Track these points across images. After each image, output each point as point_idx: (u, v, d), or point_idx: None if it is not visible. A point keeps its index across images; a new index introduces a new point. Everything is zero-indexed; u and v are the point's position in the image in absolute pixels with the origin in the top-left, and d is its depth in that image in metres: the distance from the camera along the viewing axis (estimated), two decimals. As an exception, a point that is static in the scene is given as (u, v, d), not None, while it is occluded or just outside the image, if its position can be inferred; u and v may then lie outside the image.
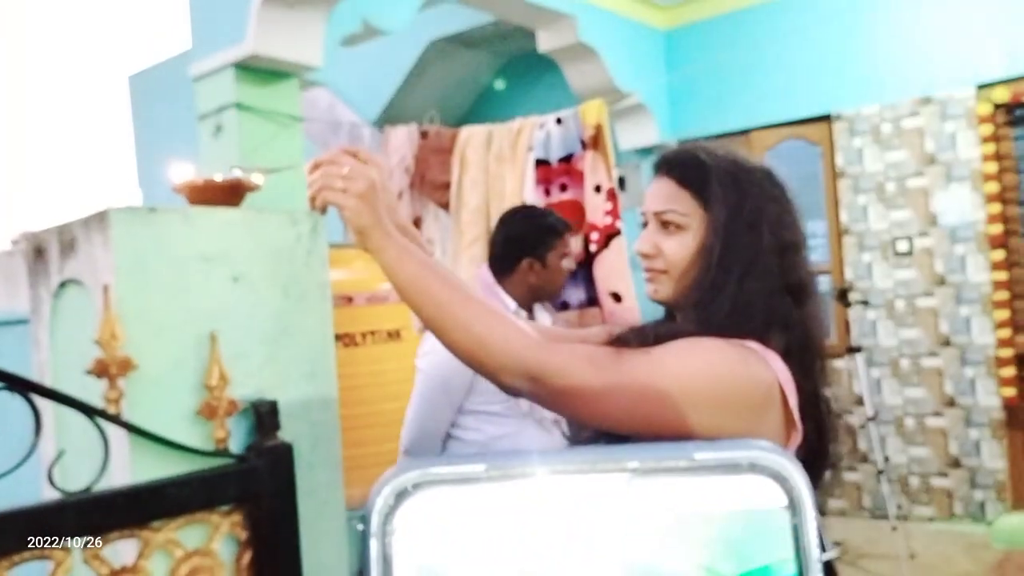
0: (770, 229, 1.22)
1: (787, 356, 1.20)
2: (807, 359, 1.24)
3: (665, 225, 1.27)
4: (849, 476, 4.92)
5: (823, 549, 2.89)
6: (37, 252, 1.39)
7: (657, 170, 1.33)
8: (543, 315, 2.63)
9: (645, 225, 1.32)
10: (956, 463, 4.59)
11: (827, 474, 1.33)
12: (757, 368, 1.15)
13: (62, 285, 1.35)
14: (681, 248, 1.25)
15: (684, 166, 1.28)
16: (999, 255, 4.47)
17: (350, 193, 1.15)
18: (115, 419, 1.15)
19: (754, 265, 1.21)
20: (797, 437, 1.19)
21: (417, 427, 2.28)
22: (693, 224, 1.25)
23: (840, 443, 1.33)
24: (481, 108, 6.51)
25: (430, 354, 2.27)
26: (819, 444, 1.26)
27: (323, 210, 1.19)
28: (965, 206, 4.54)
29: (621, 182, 4.98)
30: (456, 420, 2.27)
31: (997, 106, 4.47)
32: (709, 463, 0.54)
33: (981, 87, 4.49)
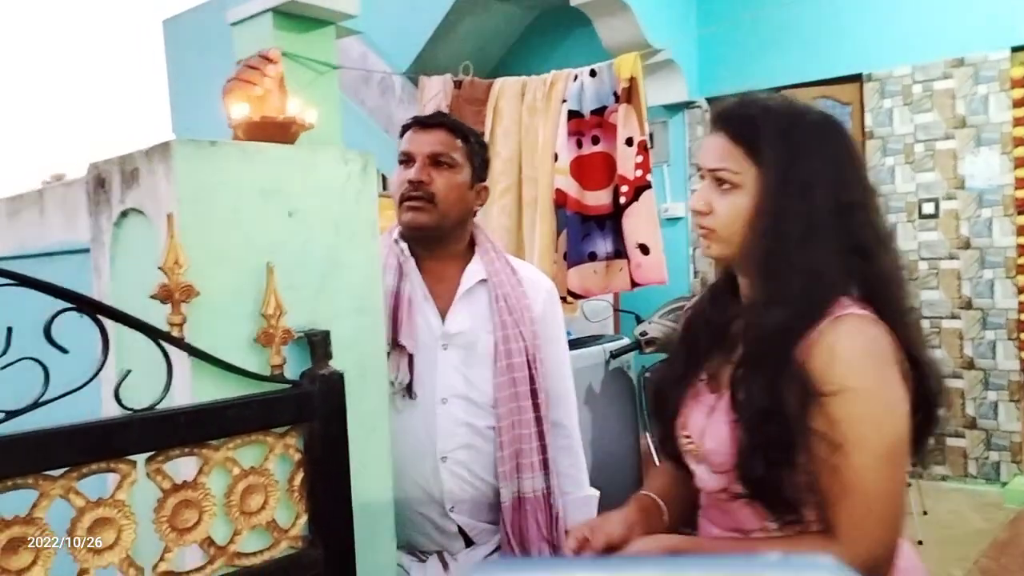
0: (826, 189, 1.17)
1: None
2: (893, 316, 1.19)
3: (719, 182, 1.23)
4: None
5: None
6: (99, 182, 1.44)
7: (713, 124, 1.28)
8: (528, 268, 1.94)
9: (702, 178, 1.28)
10: (972, 424, 4.64)
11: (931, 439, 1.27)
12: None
13: (123, 214, 1.39)
14: (733, 208, 1.21)
15: (736, 121, 1.24)
16: (1025, 219, 4.47)
17: None
18: (179, 342, 1.20)
19: (812, 229, 1.16)
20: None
21: None
22: (747, 182, 1.20)
23: (947, 405, 1.29)
24: (511, 62, 6.48)
25: None
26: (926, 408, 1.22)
27: None
28: (994, 170, 4.53)
29: (649, 138, 4.99)
30: None
31: (1031, 69, 4.44)
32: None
33: (1015, 49, 4.46)
